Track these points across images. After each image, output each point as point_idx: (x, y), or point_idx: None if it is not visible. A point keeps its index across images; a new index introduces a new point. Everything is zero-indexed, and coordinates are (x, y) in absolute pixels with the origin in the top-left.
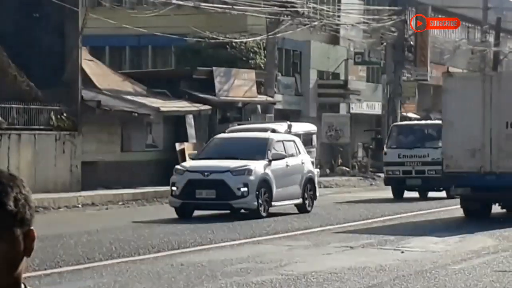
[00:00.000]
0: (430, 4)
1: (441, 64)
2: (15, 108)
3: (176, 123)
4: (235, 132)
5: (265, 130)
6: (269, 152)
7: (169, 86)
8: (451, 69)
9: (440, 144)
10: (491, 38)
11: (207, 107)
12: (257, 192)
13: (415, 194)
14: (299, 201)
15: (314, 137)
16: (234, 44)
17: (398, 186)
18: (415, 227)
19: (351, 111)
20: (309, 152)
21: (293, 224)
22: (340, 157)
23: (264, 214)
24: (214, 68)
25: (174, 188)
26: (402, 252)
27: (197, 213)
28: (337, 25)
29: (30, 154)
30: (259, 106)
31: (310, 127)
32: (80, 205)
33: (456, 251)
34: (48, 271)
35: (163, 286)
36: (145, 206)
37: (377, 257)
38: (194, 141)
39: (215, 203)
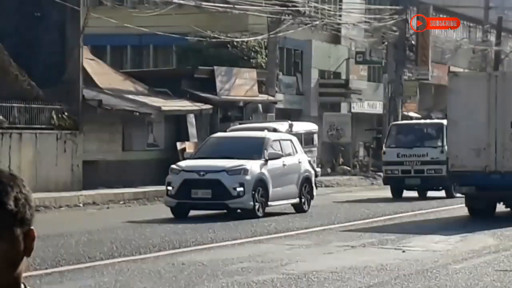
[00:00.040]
0: (431, 3)
1: (442, 64)
2: (16, 107)
3: (177, 122)
4: (234, 132)
5: (266, 129)
6: (265, 151)
7: (171, 85)
8: (452, 69)
9: (439, 143)
10: (492, 38)
11: (208, 106)
12: (253, 192)
13: (415, 194)
14: (296, 200)
15: (315, 136)
16: (235, 43)
17: (397, 186)
18: (416, 226)
19: (352, 110)
20: (310, 151)
21: (294, 223)
22: (341, 157)
23: (260, 214)
24: (215, 67)
25: (169, 187)
26: (403, 251)
27: (197, 212)
28: (339, 24)
29: (31, 153)
30: (260, 106)
31: (311, 127)
32: (81, 204)
33: (457, 250)
34: (49, 270)
35: (164, 285)
36: (146, 205)
37: (378, 256)
38: (195, 140)
39: (211, 203)
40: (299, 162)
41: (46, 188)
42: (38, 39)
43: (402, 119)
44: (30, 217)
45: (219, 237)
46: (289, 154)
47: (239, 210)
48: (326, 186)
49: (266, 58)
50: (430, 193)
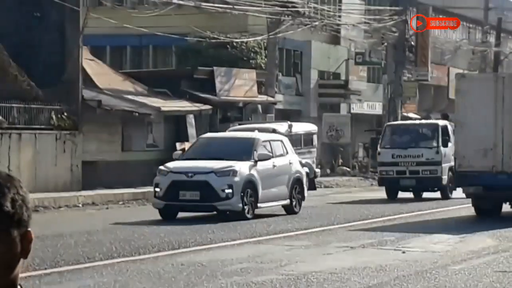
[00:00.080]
0: (431, 4)
1: (442, 65)
2: (15, 107)
3: (176, 123)
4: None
5: (265, 130)
6: (255, 152)
7: (170, 85)
8: (451, 70)
9: (434, 144)
10: (492, 39)
11: (207, 107)
12: (242, 194)
13: (410, 195)
14: (287, 202)
15: (315, 137)
16: (235, 44)
17: (392, 187)
18: (415, 227)
19: (352, 111)
20: (309, 152)
21: (294, 224)
22: (340, 157)
23: (249, 216)
24: (215, 68)
25: (157, 189)
26: (403, 252)
27: (188, 214)
28: (338, 25)
29: (30, 153)
30: (259, 106)
31: (310, 127)
32: (80, 205)
33: (456, 251)
34: (48, 271)
35: (164, 286)
36: (145, 205)
37: (377, 257)
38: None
39: (199, 204)
40: (290, 163)
41: (45, 188)
42: (37, 39)
43: (401, 120)
44: (27, 219)
45: (218, 238)
46: (280, 155)
47: (228, 212)
48: (325, 187)
49: (266, 59)
50: (425, 194)
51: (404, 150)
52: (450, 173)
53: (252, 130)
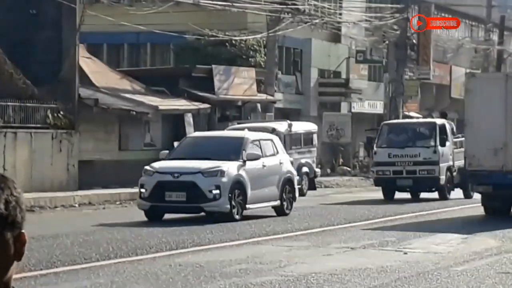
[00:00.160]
0: (433, 2)
1: (444, 63)
2: (11, 106)
3: (174, 121)
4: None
5: (265, 129)
6: (244, 152)
7: (168, 84)
8: (454, 68)
9: (432, 143)
10: (494, 37)
11: (206, 105)
12: (230, 195)
13: (407, 195)
14: (277, 203)
15: (315, 136)
16: (234, 42)
17: (389, 187)
18: (417, 228)
19: (353, 110)
20: (309, 152)
21: (293, 224)
22: (341, 157)
23: (237, 217)
24: (213, 66)
25: (142, 190)
26: (405, 253)
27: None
28: (339, 23)
29: (26, 152)
30: (259, 105)
31: (310, 126)
32: (77, 205)
33: (458, 252)
34: (44, 271)
35: (161, 287)
36: None
37: (378, 258)
38: None
39: (186, 206)
40: (281, 163)
41: (41, 188)
42: (33, 37)
43: (403, 119)
44: (21, 220)
45: (217, 238)
46: (270, 155)
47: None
48: (325, 186)
49: (265, 57)
50: (423, 195)
51: (401, 150)
52: (448, 173)
53: (252, 129)
